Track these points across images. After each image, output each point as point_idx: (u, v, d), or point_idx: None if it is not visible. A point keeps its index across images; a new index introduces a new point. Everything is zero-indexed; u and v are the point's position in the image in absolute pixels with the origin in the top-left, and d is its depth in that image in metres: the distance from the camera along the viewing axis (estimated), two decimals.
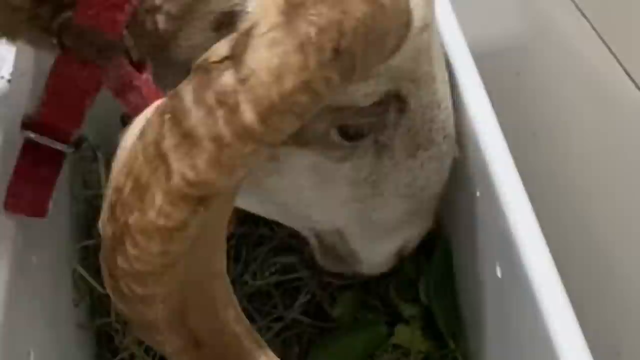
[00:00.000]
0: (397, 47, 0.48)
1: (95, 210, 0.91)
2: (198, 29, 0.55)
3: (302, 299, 0.85)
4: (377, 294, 0.85)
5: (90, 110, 0.59)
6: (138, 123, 0.44)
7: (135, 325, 0.49)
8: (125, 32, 0.55)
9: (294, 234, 0.89)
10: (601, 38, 0.73)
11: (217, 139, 0.39)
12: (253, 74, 0.39)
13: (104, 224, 0.44)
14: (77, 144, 0.62)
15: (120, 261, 0.43)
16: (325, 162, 0.62)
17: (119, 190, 0.42)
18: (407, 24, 0.48)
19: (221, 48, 0.41)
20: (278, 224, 0.90)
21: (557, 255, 0.56)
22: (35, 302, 0.66)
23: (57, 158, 0.61)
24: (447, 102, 0.66)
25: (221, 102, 0.39)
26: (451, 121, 0.67)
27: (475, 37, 0.77)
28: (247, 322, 0.54)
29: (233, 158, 0.40)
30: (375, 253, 0.76)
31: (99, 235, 0.91)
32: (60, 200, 0.81)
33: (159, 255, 0.42)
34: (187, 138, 0.39)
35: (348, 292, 0.85)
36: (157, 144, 0.40)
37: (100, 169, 0.92)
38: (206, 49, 0.54)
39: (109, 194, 0.43)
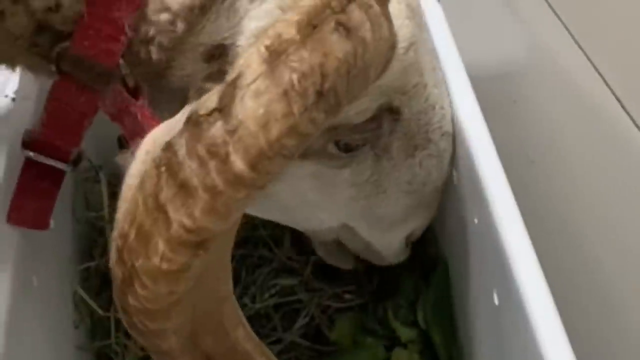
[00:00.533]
0: (382, 71, 0.49)
1: (97, 232, 0.91)
2: (190, 60, 0.57)
3: (301, 321, 0.85)
4: (376, 317, 0.85)
5: (93, 131, 0.61)
6: (138, 161, 0.46)
7: (153, 353, 0.52)
8: (121, 61, 0.56)
9: (293, 257, 0.90)
10: (595, 67, 0.74)
11: (210, 189, 0.41)
12: (241, 124, 0.40)
13: (113, 267, 0.46)
14: (76, 162, 0.63)
15: (131, 300, 0.45)
16: (325, 169, 0.63)
17: (124, 236, 0.44)
18: (392, 47, 0.49)
19: (210, 100, 0.42)
20: (277, 246, 0.91)
21: (554, 282, 0.56)
22: (36, 324, 0.66)
23: (57, 174, 0.63)
24: (443, 102, 0.67)
25: (212, 153, 0.41)
26: (448, 119, 0.68)
27: (473, 63, 0.77)
28: (256, 338, 0.57)
29: (227, 204, 0.41)
30: (387, 243, 0.77)
31: (101, 257, 0.92)
32: (62, 221, 0.81)
33: (166, 295, 0.45)
34: (183, 189, 0.41)
35: (347, 315, 0.85)
36: (156, 196, 0.42)
37: (103, 190, 0.92)
38: (199, 79, 0.56)
39: (115, 238, 0.46)
